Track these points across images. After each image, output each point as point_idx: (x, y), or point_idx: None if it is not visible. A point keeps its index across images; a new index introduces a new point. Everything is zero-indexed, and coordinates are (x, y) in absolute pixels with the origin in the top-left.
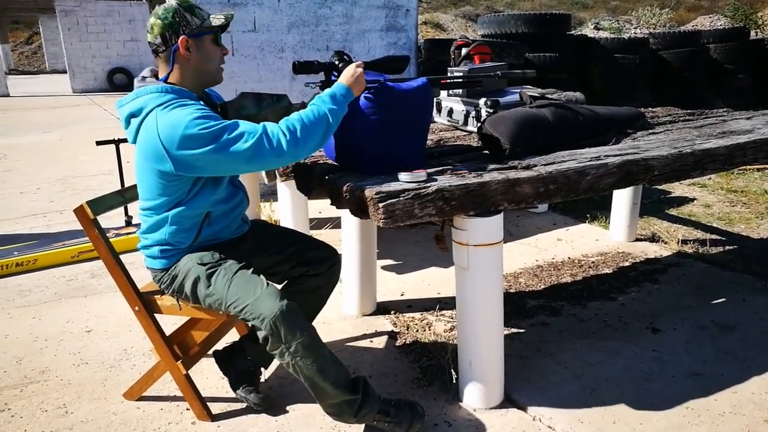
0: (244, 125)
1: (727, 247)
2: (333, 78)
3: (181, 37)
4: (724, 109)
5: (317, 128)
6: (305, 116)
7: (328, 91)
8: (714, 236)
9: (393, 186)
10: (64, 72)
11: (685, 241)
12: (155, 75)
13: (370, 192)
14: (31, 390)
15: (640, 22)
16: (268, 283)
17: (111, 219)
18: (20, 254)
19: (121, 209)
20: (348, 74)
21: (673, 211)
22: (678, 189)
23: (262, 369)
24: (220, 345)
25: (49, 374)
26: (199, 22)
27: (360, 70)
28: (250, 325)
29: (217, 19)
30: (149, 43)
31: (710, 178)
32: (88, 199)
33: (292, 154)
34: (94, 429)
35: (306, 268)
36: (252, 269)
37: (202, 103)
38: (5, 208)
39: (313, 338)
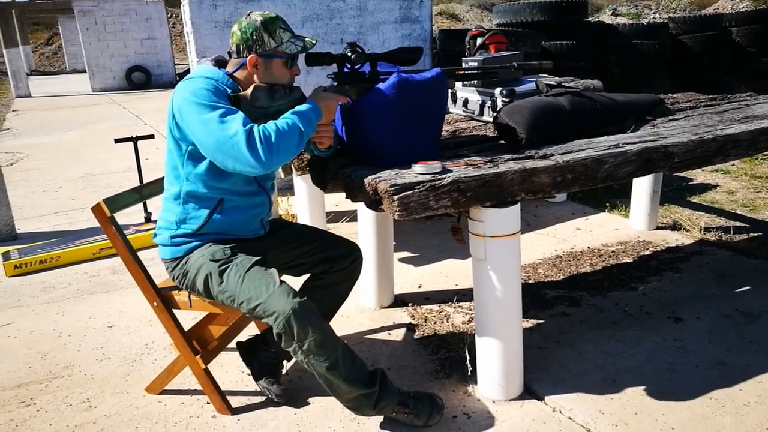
0: (239, 120)
1: (752, 235)
2: (345, 69)
3: (251, 56)
4: (747, 94)
5: (291, 142)
6: (281, 129)
7: (302, 108)
8: (738, 223)
9: (408, 178)
10: (84, 72)
11: (707, 229)
12: (218, 62)
13: (384, 185)
14: (55, 385)
15: (660, 7)
16: (281, 281)
17: (131, 216)
18: (43, 251)
19: (141, 206)
20: (325, 99)
21: (695, 199)
22: (700, 176)
23: (285, 361)
24: (242, 337)
25: (73, 369)
26: (274, 44)
27: (335, 104)
28: None
29: (294, 46)
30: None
31: (734, 164)
32: (107, 196)
33: (265, 164)
34: (117, 423)
35: (329, 265)
36: (266, 265)
37: (230, 91)
38: (28, 207)
39: (326, 336)
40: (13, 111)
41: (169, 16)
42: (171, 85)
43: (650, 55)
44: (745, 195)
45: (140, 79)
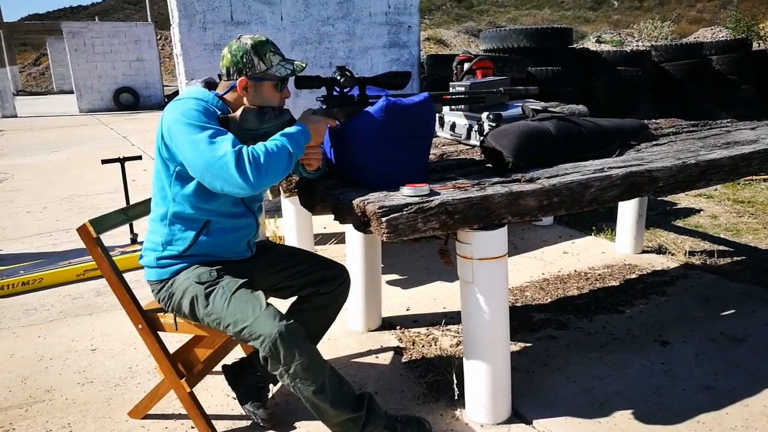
0: (228, 141)
1: (735, 258)
2: (335, 93)
3: (241, 78)
4: (728, 120)
5: (280, 163)
6: (270, 150)
7: (291, 130)
8: (721, 247)
9: (396, 200)
10: (71, 92)
11: (692, 253)
12: (208, 83)
13: (372, 207)
14: (35, 409)
15: (642, 35)
16: (267, 304)
17: (116, 237)
18: (26, 273)
19: (127, 227)
20: (314, 121)
21: (679, 223)
22: (684, 200)
23: (271, 385)
24: (228, 360)
25: (54, 393)
26: (264, 67)
27: (324, 127)
28: None
29: (284, 69)
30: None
31: (716, 189)
32: (93, 217)
33: (254, 185)
34: None
35: (316, 288)
36: (252, 287)
37: (220, 113)
38: (12, 228)
39: (312, 359)
40: None
41: (158, 38)
42: (159, 106)
43: (634, 81)
44: (728, 219)
45: (128, 100)
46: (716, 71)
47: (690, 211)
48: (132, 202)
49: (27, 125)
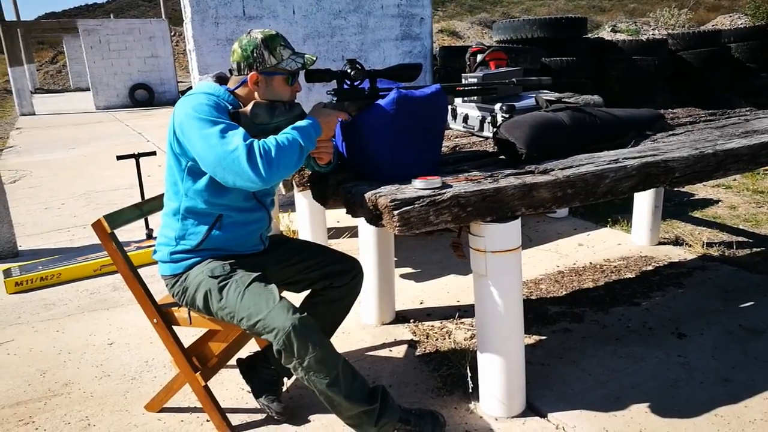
0: (239, 136)
1: (755, 249)
2: (345, 86)
3: (252, 73)
4: (747, 109)
5: (291, 157)
6: (281, 144)
7: (302, 124)
8: (740, 238)
9: (408, 193)
10: (88, 90)
11: (710, 244)
12: (219, 78)
13: (384, 200)
14: (54, 403)
15: (659, 24)
16: (281, 297)
17: (132, 232)
18: (44, 268)
19: (142, 222)
20: (324, 115)
21: (697, 214)
22: (702, 191)
23: (285, 379)
24: (243, 353)
25: (72, 387)
26: (274, 62)
27: (335, 120)
28: None
29: (294, 62)
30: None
31: (735, 179)
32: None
33: (265, 179)
34: None
35: (329, 281)
36: (266, 281)
37: (231, 108)
38: (30, 224)
39: (326, 352)
40: (17, 129)
41: (172, 34)
42: (174, 102)
43: (650, 70)
44: (747, 210)
45: (143, 96)
46: (735, 59)
47: (708, 202)
48: (147, 197)
49: (44, 123)
